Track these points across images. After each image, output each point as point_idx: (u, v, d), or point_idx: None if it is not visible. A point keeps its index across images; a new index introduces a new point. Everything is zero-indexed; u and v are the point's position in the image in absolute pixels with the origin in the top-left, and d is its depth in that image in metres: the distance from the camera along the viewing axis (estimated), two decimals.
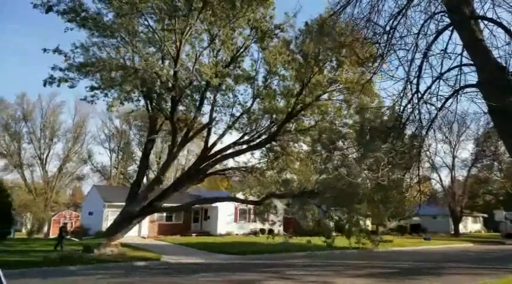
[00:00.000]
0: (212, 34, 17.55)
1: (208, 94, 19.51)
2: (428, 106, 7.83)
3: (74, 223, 39.44)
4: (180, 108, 20.00)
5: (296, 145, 20.66)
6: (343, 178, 18.00)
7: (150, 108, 19.08)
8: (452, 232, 45.37)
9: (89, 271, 14.77)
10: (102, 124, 57.04)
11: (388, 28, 7.98)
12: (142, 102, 19.23)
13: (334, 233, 38.31)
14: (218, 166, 21.80)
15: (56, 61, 16.65)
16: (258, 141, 20.02)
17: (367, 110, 16.12)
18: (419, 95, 7.64)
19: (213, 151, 20.43)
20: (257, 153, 21.38)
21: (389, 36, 7.91)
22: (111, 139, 56.82)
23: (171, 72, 15.77)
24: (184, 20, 15.33)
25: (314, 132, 18.77)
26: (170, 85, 15.86)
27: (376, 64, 8.55)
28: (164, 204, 21.20)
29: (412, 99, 7.77)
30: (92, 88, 16.25)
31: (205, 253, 21.04)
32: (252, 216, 36.02)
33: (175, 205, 21.15)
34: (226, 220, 34.38)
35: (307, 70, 17.26)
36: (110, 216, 28.37)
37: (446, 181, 49.25)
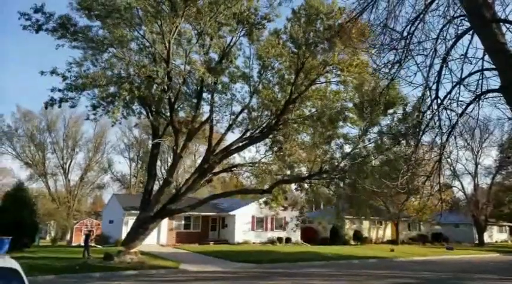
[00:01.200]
0: (199, 30, 17.63)
1: (205, 95, 19.86)
2: (449, 112, 7.68)
3: (95, 231, 40.08)
4: (181, 114, 20.40)
5: (299, 136, 20.62)
6: (348, 155, 18.23)
7: (150, 115, 19.39)
8: (477, 242, 44.01)
9: (110, 278, 14.98)
10: (121, 134, 58.04)
11: (405, 34, 7.89)
12: (145, 112, 19.65)
13: (353, 242, 37.90)
14: (226, 166, 22.04)
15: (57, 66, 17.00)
16: (259, 134, 20.06)
17: (364, 85, 16.17)
18: (439, 101, 7.51)
19: (218, 150, 20.59)
20: (262, 149, 21.54)
21: (407, 41, 7.82)
22: (131, 149, 57.81)
23: (165, 77, 16.02)
24: (170, 20, 15.57)
25: (315, 115, 18.73)
26: (165, 87, 16.09)
27: (393, 70, 8.45)
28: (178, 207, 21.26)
29: (431, 105, 7.65)
30: (94, 106, 16.63)
31: (223, 262, 21.02)
32: (269, 225, 35.88)
33: (187, 205, 21.19)
34: (244, 228, 34.30)
35: (299, 56, 17.27)
36: (129, 224, 28.68)
37: (469, 189, 48.07)
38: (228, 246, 30.53)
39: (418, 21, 7.73)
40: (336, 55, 16.95)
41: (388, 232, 43.69)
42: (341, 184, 19.55)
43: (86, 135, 56.78)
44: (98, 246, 26.87)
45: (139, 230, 19.14)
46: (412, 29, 7.79)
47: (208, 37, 17.74)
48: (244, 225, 34.41)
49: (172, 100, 17.57)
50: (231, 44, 18.56)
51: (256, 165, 20.82)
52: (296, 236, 36.73)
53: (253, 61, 19.00)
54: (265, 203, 23.48)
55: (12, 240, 21.27)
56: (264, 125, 19.90)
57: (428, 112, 7.87)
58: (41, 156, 50.52)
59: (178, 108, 19.85)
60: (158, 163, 50.25)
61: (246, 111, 20.02)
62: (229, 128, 20.33)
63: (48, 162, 51.29)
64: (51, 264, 16.80)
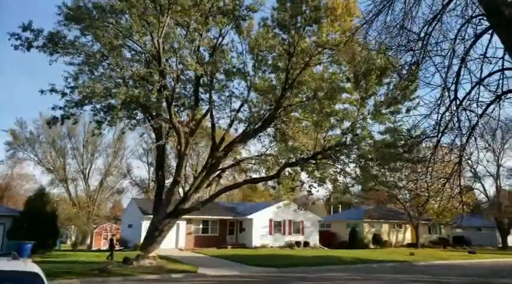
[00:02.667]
0: (185, 27, 17.88)
1: (204, 96, 20.40)
2: (468, 113, 7.55)
3: (111, 235, 40.70)
4: (182, 116, 20.81)
5: (301, 124, 20.69)
6: (347, 130, 18.26)
7: (150, 119, 19.68)
8: (500, 245, 42.82)
9: (131, 282, 15.16)
10: (140, 139, 58.79)
11: (422, 34, 7.78)
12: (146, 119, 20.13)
13: (372, 246, 37.39)
14: (234, 161, 22.49)
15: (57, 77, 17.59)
16: (261, 124, 20.28)
17: (357, 56, 16.15)
18: (458, 102, 7.39)
19: (222, 147, 20.89)
20: (266, 141, 22.05)
21: (424, 42, 7.71)
22: (149, 154, 58.43)
23: (159, 76, 16.41)
24: (156, 19, 15.84)
25: (311, 96, 18.79)
26: (160, 86, 16.49)
27: (411, 71, 8.34)
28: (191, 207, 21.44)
29: (450, 106, 7.52)
30: (98, 122, 17.59)
31: (241, 266, 21.02)
32: (287, 228, 35.72)
33: (199, 202, 21.44)
34: (261, 232, 34.24)
35: (290, 42, 17.52)
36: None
37: (491, 191, 46.86)
38: (245, 250, 30.53)
39: (435, 22, 7.62)
40: (325, 35, 17.08)
41: (408, 236, 42.95)
42: (346, 161, 19.61)
43: (105, 140, 57.81)
44: (123, 247, 27.17)
45: (155, 234, 19.34)
46: (430, 29, 7.69)
47: (197, 33, 17.85)
48: (262, 229, 34.36)
49: (170, 100, 17.83)
50: (220, 38, 18.99)
51: (262, 156, 21.20)
52: (314, 240, 36.51)
53: (246, 56, 19.39)
54: (273, 188, 23.48)
55: (34, 245, 21.78)
56: (265, 116, 20.09)
57: (447, 113, 7.73)
58: (61, 162, 51.59)
59: (178, 111, 20.31)
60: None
61: (245, 105, 20.49)
62: (231, 124, 20.79)
63: (68, 167, 52.37)
64: (71, 268, 17.09)
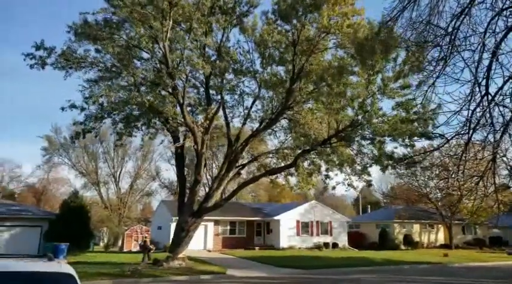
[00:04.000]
0: (186, 28, 18.09)
1: (215, 97, 20.83)
2: (501, 108, 7.25)
3: (144, 237, 41.50)
4: (199, 118, 21.26)
5: (314, 115, 20.59)
6: (358, 107, 18.01)
7: (166, 123, 19.99)
8: None
9: (161, 283, 15.44)
10: (168, 142, 59.84)
11: (450, 29, 7.56)
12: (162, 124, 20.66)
13: (403, 247, 36.43)
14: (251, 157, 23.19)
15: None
16: (274, 117, 20.46)
17: (359, 29, 15.89)
18: (490, 97, 7.12)
19: (239, 143, 21.21)
20: (282, 136, 22.59)
21: (452, 37, 7.48)
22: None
23: (168, 78, 16.70)
24: (157, 20, 16.20)
25: (318, 79, 18.67)
26: (172, 89, 16.96)
27: (438, 67, 8.10)
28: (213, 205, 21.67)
29: (481, 101, 7.26)
30: (119, 134, 18.61)
31: (269, 267, 21.00)
32: (314, 229, 35.40)
33: (223, 199, 21.84)
34: (289, 233, 34.08)
35: (293, 32, 17.73)
36: None
37: None
38: (273, 251, 30.49)
39: (463, 16, 7.38)
40: (326, 19, 17.04)
41: (440, 236, 41.66)
42: (362, 142, 19.57)
43: (134, 144, 59.31)
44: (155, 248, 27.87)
45: (182, 235, 19.65)
46: (458, 23, 7.45)
47: (201, 31, 18.03)
48: (289, 230, 34.21)
49: (181, 100, 18.10)
50: (224, 39, 19.38)
51: (280, 150, 21.60)
52: (343, 241, 36.02)
53: (253, 55, 19.69)
54: (291, 175, 23.49)
55: (68, 246, 22.55)
56: (278, 109, 20.20)
57: (478, 109, 7.47)
58: (93, 166, 53.35)
59: (193, 114, 20.94)
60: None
61: (257, 101, 20.94)
62: (245, 121, 21.27)
63: (100, 171, 54.05)
64: (104, 269, 17.59)
